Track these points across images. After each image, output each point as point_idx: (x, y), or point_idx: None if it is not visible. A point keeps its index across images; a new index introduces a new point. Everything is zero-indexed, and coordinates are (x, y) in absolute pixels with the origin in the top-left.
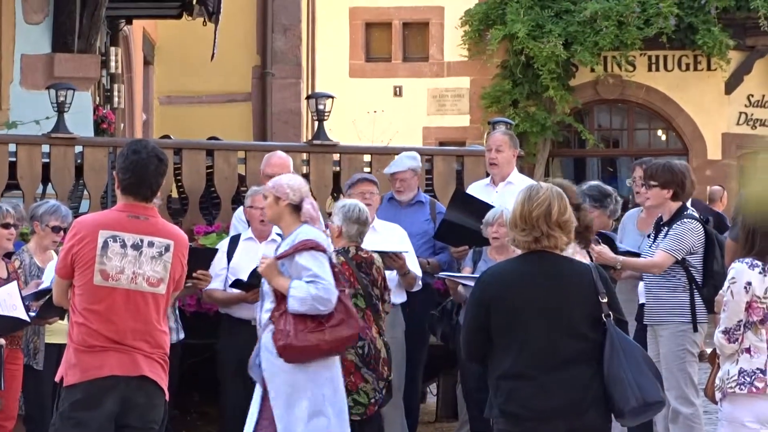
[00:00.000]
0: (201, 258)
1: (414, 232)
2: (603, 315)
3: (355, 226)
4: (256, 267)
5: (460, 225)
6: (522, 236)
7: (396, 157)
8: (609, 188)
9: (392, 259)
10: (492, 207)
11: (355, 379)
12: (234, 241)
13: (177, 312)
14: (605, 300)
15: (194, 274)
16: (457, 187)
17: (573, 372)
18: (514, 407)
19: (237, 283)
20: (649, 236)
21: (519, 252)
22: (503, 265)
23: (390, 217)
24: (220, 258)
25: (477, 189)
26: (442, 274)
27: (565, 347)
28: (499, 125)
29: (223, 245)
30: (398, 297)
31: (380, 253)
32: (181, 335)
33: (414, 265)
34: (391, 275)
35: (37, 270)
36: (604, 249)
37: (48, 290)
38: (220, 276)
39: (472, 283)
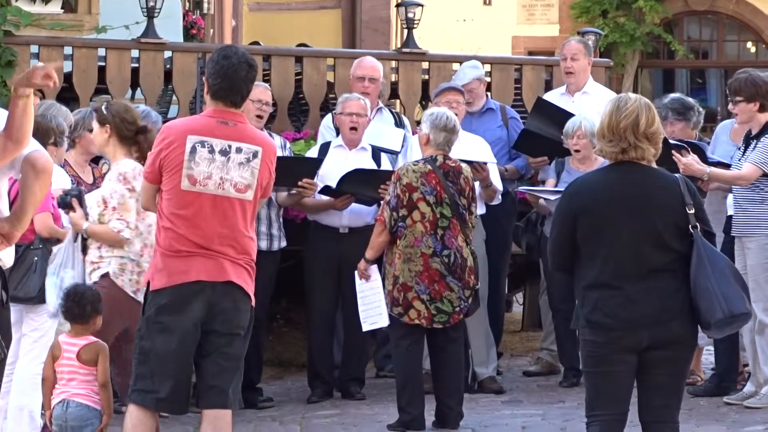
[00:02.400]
0: (307, 167)
1: (488, 139)
2: (690, 226)
3: (442, 134)
4: (346, 174)
5: (540, 135)
6: (609, 147)
7: (458, 69)
8: (691, 100)
9: (476, 169)
10: (572, 115)
11: (440, 288)
12: (324, 149)
13: (281, 220)
14: (692, 211)
15: (300, 183)
16: (539, 96)
17: (659, 282)
18: (600, 317)
19: (326, 190)
20: (739, 149)
21: (603, 162)
22: (590, 175)
23: (463, 129)
24: None
25: (553, 98)
26: (522, 188)
27: (651, 257)
28: (588, 35)
29: (312, 152)
30: (479, 208)
31: (463, 162)
32: (283, 243)
33: (496, 179)
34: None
35: None
36: (691, 160)
37: None
38: None
39: (551, 197)
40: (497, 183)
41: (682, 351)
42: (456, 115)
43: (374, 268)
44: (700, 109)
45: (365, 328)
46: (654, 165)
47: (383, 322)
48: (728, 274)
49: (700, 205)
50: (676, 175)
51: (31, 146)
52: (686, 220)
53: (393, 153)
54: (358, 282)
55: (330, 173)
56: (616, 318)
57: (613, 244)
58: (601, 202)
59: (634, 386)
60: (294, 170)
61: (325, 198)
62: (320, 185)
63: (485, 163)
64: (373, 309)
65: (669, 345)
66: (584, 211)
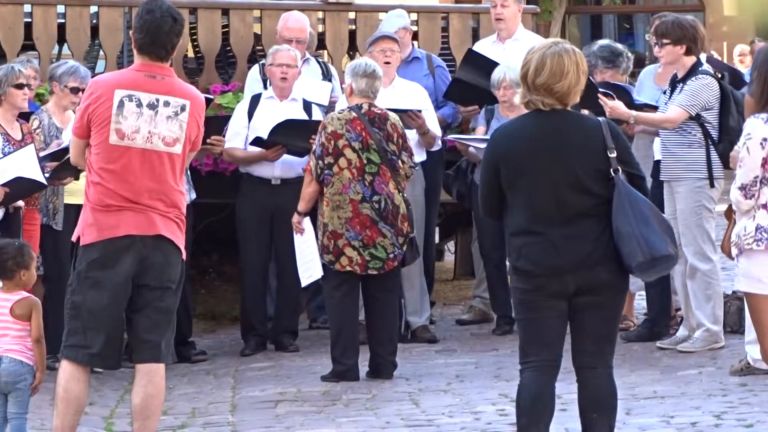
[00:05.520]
0: (213, 125)
1: None
2: (611, 170)
3: (363, 80)
4: (277, 125)
5: (470, 84)
6: (522, 96)
7: (383, 18)
8: (619, 46)
9: (411, 117)
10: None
11: (372, 233)
12: (255, 100)
13: (188, 173)
14: (614, 155)
15: (208, 141)
16: (469, 48)
17: (581, 228)
18: (525, 263)
19: (257, 141)
20: (665, 92)
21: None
22: (512, 122)
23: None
24: (240, 116)
25: (484, 46)
26: (451, 136)
27: (572, 203)
28: None
29: (244, 104)
30: (418, 156)
31: (398, 111)
32: (193, 195)
33: (434, 124)
34: (411, 134)
35: (56, 130)
36: (617, 103)
37: (67, 149)
38: (240, 134)
39: (481, 145)
40: (435, 129)
41: (610, 296)
42: (390, 63)
43: (307, 220)
44: (629, 55)
45: (303, 282)
46: (572, 109)
47: (318, 274)
48: (649, 216)
49: (625, 148)
50: (600, 118)
51: None
52: (608, 164)
53: (321, 106)
54: (295, 236)
55: (261, 124)
56: (540, 264)
57: (534, 190)
58: (520, 149)
59: (568, 332)
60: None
61: (256, 149)
62: (251, 136)
63: (420, 111)
64: (309, 262)
65: (596, 290)
66: (505, 157)
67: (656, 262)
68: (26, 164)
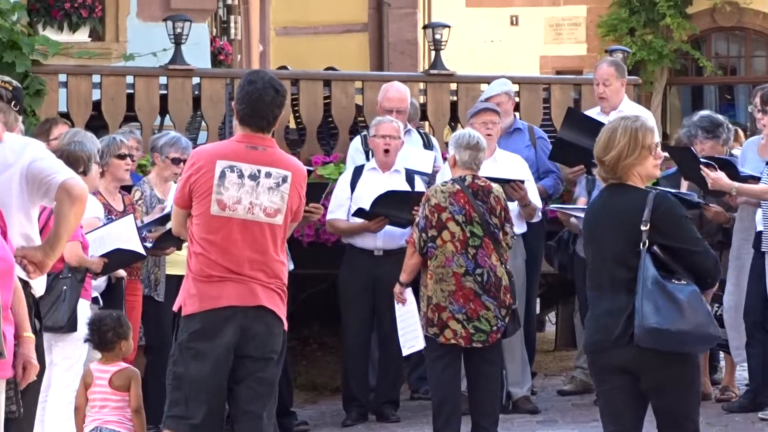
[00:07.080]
0: (312, 192)
1: None
2: (641, 243)
3: (467, 152)
4: (379, 196)
5: (574, 144)
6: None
7: (484, 89)
8: (720, 117)
9: (513, 188)
10: (603, 123)
11: (475, 306)
12: (358, 171)
13: (286, 244)
14: (646, 228)
15: (306, 207)
16: (569, 107)
17: (620, 302)
18: (585, 338)
19: (360, 212)
20: (767, 163)
21: None
22: (594, 199)
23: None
24: (343, 188)
25: None
26: (553, 206)
27: (617, 277)
28: (616, 53)
29: (347, 175)
30: (518, 227)
31: (500, 181)
32: (290, 266)
33: (534, 196)
34: (512, 206)
35: (158, 201)
36: (720, 175)
37: (170, 215)
38: (343, 206)
39: (582, 215)
40: (536, 200)
41: (670, 373)
42: (490, 135)
43: (409, 291)
44: (730, 126)
45: (405, 352)
46: (638, 185)
47: (420, 345)
48: (654, 291)
49: (674, 223)
50: (651, 190)
51: (66, 173)
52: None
53: (425, 175)
54: (397, 306)
55: (364, 196)
56: (590, 340)
57: (591, 265)
58: (589, 224)
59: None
60: None
61: (359, 220)
62: (353, 208)
63: (522, 182)
64: (410, 333)
65: (648, 368)
66: (584, 233)
67: (652, 336)
68: (125, 235)
